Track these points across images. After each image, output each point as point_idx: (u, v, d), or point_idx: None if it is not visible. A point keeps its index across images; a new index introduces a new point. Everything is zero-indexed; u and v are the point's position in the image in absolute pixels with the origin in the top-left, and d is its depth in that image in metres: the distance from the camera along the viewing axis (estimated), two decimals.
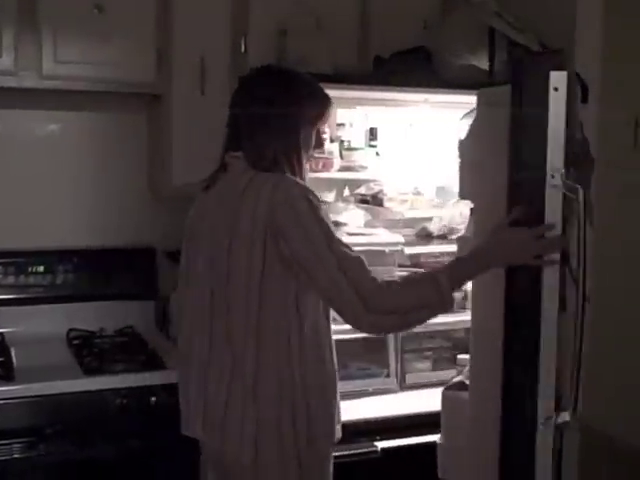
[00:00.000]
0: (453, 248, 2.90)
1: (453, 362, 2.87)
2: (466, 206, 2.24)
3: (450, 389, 2.14)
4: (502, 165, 1.75)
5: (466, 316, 2.85)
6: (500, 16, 2.60)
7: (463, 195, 2.05)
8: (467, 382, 2.05)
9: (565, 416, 1.75)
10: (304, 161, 1.92)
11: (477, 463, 1.88)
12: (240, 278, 1.79)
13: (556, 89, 1.68)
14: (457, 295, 2.90)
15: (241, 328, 1.79)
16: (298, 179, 1.86)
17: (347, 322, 1.76)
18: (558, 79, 1.68)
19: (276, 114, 1.87)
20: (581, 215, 1.69)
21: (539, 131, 1.68)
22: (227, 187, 1.90)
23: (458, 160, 2.08)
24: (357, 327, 1.76)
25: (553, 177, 1.69)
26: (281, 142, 1.88)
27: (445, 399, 2.11)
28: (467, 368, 2.11)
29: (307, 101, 1.92)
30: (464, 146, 2.04)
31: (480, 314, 1.88)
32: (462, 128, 2.28)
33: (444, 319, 2.82)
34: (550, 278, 1.70)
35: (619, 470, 2.89)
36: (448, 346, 2.94)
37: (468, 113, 2.33)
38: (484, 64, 2.62)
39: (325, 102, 1.96)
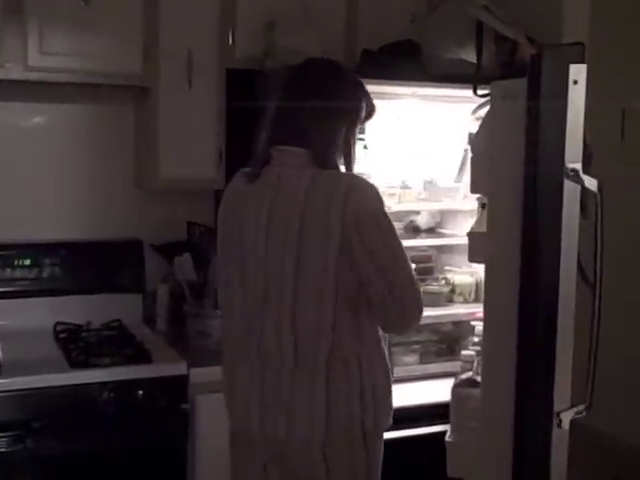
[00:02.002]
0: (440, 242, 2.92)
1: (440, 355, 2.89)
2: (473, 200, 2.21)
3: (460, 386, 2.11)
4: (517, 158, 1.71)
5: (453, 310, 2.89)
6: (488, 9, 2.59)
7: (476, 189, 2.01)
8: (477, 379, 2.03)
9: (579, 411, 1.74)
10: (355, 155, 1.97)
11: (489, 461, 1.86)
12: (313, 270, 1.81)
13: (575, 82, 1.65)
14: (444, 289, 2.92)
15: (309, 320, 1.83)
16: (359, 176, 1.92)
17: (399, 322, 1.92)
18: (578, 72, 1.65)
19: (341, 110, 1.89)
20: (599, 208, 1.68)
21: (557, 124, 1.65)
22: (284, 181, 1.87)
23: (470, 154, 2.05)
24: (407, 326, 2.00)
25: (572, 170, 1.67)
26: (344, 138, 1.90)
27: (455, 396, 2.08)
28: (475, 364, 2.09)
29: (364, 99, 1.96)
30: (477, 140, 2.01)
31: (493, 311, 1.85)
32: (473, 122, 2.27)
33: (431, 312, 2.85)
34: (567, 275, 1.68)
35: (618, 468, 2.91)
36: (435, 339, 2.95)
37: (479, 106, 2.31)
38: (472, 57, 2.62)
39: (373, 103, 2.01)
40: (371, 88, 2.76)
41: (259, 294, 1.89)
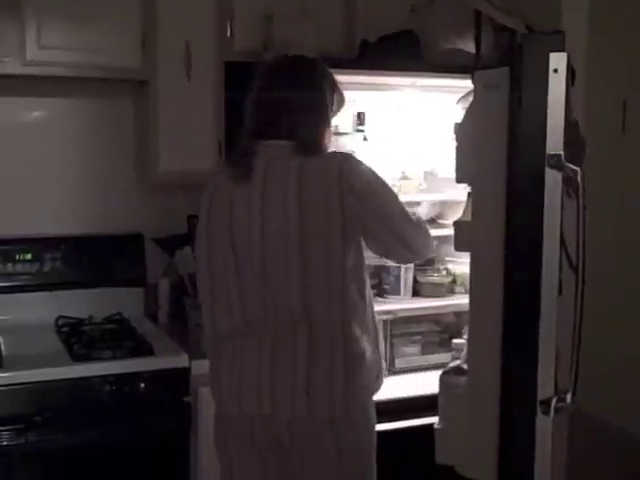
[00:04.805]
0: (441, 232, 2.91)
1: (442, 346, 2.89)
2: (462, 190, 2.22)
3: (448, 374, 2.12)
4: (500, 148, 1.73)
5: (454, 300, 2.88)
6: None
7: (461, 179, 2.03)
8: (465, 367, 2.03)
9: (565, 399, 1.75)
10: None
11: (476, 448, 1.87)
12: (320, 252, 1.89)
13: (556, 70, 1.66)
14: (445, 280, 2.92)
15: (321, 297, 1.90)
16: None
17: (413, 253, 2.09)
18: (558, 60, 1.66)
19: (318, 103, 1.98)
20: (580, 197, 1.69)
21: (538, 113, 1.66)
22: (275, 173, 1.92)
23: (455, 144, 2.06)
24: (423, 255, 2.16)
25: (552, 159, 1.68)
26: (323, 129, 2.00)
27: (443, 384, 2.09)
28: (464, 352, 2.10)
29: (335, 91, 2.06)
30: (461, 129, 2.02)
31: (478, 298, 1.86)
32: (458, 111, 2.27)
33: (432, 303, 2.85)
34: (549, 262, 1.69)
35: (612, 455, 2.91)
36: (437, 330, 2.95)
37: (464, 96, 2.30)
38: (471, 47, 2.62)
39: (343, 94, 2.10)
40: (370, 79, 2.79)
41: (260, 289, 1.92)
